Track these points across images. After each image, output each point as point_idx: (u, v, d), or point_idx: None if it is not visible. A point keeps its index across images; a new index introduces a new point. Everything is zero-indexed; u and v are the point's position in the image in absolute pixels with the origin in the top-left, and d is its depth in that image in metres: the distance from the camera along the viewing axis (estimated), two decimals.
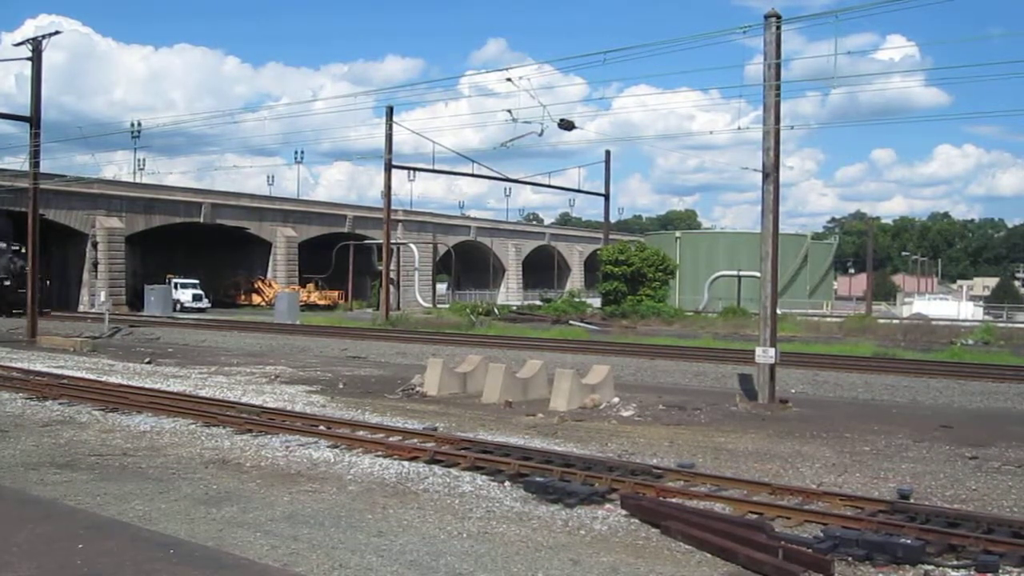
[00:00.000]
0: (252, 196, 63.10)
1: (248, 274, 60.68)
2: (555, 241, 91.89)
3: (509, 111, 20.53)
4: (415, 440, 11.36)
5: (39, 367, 19.93)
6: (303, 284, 59.88)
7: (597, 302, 52.53)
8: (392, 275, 52.87)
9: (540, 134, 20.66)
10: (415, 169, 48.97)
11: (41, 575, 6.09)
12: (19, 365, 20.31)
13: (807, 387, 18.19)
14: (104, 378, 18.14)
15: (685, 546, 7.17)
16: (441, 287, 70.20)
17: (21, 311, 36.11)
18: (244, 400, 15.08)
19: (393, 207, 43.80)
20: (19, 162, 31.03)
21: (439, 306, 58.56)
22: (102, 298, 42.06)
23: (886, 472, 10.25)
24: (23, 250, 40.63)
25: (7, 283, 40.69)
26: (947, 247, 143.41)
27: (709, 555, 6.94)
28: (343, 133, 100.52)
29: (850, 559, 6.81)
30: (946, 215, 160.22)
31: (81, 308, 48.11)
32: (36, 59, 27.73)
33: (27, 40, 28.23)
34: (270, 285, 58.38)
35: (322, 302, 57.90)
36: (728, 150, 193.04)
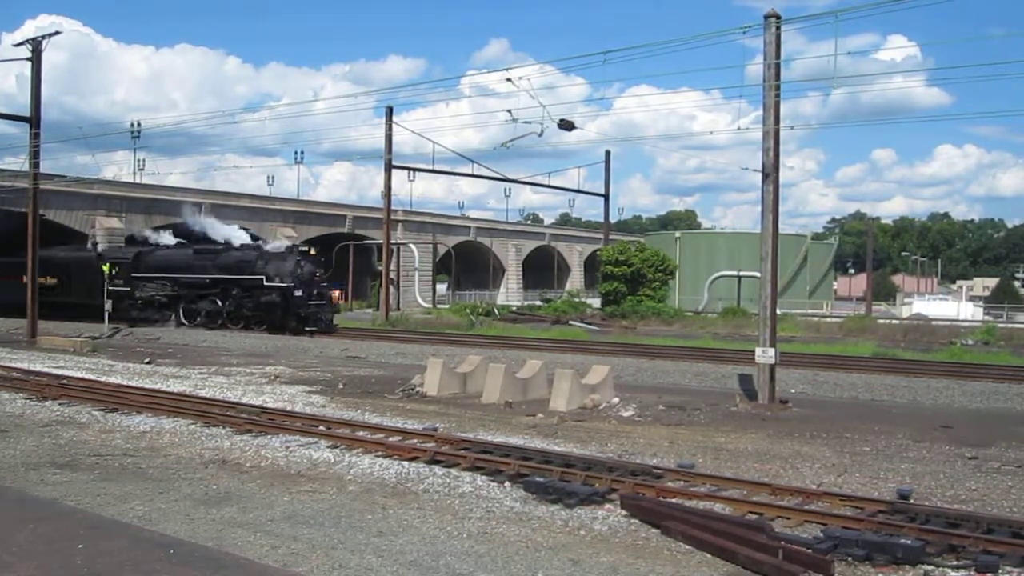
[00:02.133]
0: (252, 196, 63.05)
1: None
2: (555, 241, 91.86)
3: (509, 111, 20.51)
4: (415, 440, 11.36)
5: (39, 367, 19.93)
6: None
7: (597, 302, 52.50)
8: (392, 275, 52.84)
9: (540, 134, 20.61)
10: (415, 169, 48.94)
11: (41, 575, 6.10)
12: (19, 365, 20.31)
13: (807, 387, 18.19)
14: (104, 378, 18.14)
15: (685, 546, 7.17)
16: (441, 287, 70.15)
17: (315, 327, 31.02)
18: (244, 400, 15.09)
19: (393, 207, 43.78)
20: (19, 162, 30.96)
21: (439, 306, 58.51)
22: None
23: (886, 472, 10.26)
24: (312, 251, 34.03)
25: (297, 293, 31.24)
26: (947, 247, 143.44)
27: (709, 555, 6.94)
28: (344, 133, 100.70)
29: (850, 559, 6.82)
30: (946, 215, 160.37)
31: None
32: (36, 59, 27.71)
33: (27, 40, 28.22)
34: None
35: None
36: (729, 150, 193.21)
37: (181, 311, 33.90)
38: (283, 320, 31.40)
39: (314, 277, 32.77)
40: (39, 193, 29.48)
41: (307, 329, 30.87)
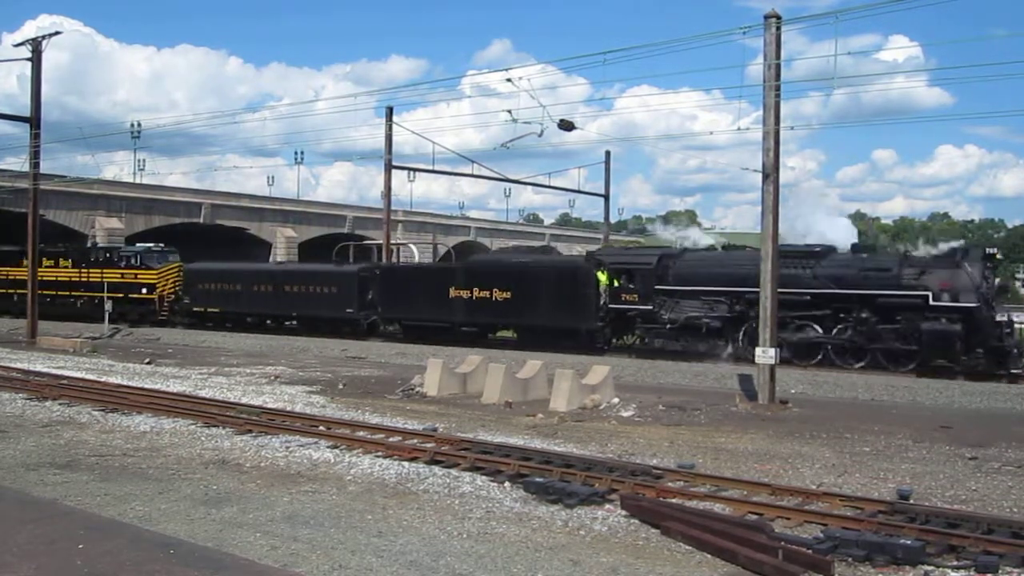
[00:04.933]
0: (252, 196, 63.14)
1: None
2: (555, 241, 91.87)
3: (509, 111, 20.47)
4: (415, 440, 11.37)
5: (39, 367, 19.95)
6: None
7: None
8: None
9: (540, 135, 20.54)
10: (415, 169, 48.94)
11: (41, 575, 6.09)
12: (19, 365, 20.32)
13: (807, 387, 18.18)
14: (104, 378, 18.14)
15: (685, 547, 7.17)
16: None
17: (1018, 369, 20.11)
18: (244, 400, 15.09)
19: (393, 207, 43.81)
20: (19, 162, 30.96)
21: None
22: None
23: (886, 472, 10.25)
24: (998, 252, 23.01)
25: (999, 317, 20.91)
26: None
27: (709, 555, 6.94)
28: (344, 133, 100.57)
29: (850, 560, 6.82)
30: (946, 215, 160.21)
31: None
32: (36, 60, 27.73)
33: (27, 40, 28.26)
34: None
35: None
36: (729, 150, 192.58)
37: (741, 339, 22.51)
38: (958, 357, 20.21)
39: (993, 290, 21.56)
40: (39, 193, 29.49)
41: (1008, 372, 19.94)
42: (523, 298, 25.59)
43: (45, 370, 19.29)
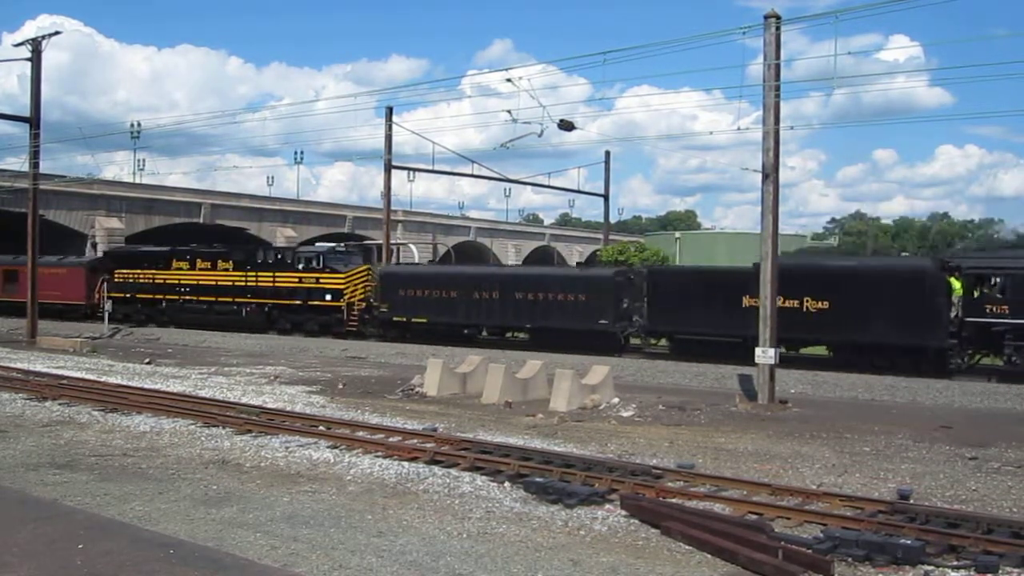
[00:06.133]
0: (252, 196, 63.20)
1: None
2: (555, 242, 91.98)
3: (509, 112, 20.48)
4: (415, 440, 11.37)
5: (39, 367, 19.94)
6: None
7: None
8: None
9: (540, 135, 20.56)
10: (415, 169, 48.98)
11: (41, 575, 6.09)
12: (19, 365, 20.32)
13: (807, 387, 18.19)
14: (104, 378, 18.15)
15: (685, 546, 7.18)
16: None
17: None
18: (244, 400, 15.09)
19: (393, 207, 43.81)
20: (19, 162, 30.94)
21: None
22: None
23: (886, 472, 10.26)
24: None
25: None
26: (947, 248, 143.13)
27: (709, 555, 6.94)
28: (345, 133, 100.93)
29: (850, 559, 6.82)
30: (946, 215, 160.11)
31: None
32: (36, 59, 27.75)
33: (27, 40, 28.28)
34: None
35: None
36: (730, 150, 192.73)
37: None
38: None
39: None
40: (39, 193, 29.49)
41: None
42: (845, 309, 20.95)
43: (45, 370, 19.29)
